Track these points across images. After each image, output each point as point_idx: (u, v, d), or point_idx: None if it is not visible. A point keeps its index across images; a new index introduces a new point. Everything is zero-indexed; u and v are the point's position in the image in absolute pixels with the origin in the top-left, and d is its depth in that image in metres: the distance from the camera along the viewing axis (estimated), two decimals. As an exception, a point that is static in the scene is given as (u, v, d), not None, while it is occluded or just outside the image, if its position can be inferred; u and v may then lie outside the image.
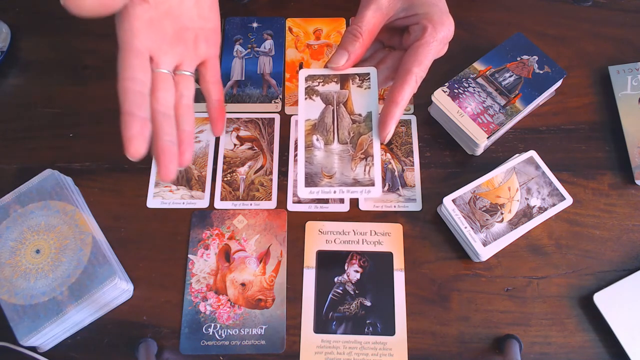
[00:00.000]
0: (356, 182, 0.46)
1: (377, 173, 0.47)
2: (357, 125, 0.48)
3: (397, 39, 0.49)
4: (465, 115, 0.57)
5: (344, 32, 0.48)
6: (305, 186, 0.46)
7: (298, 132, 0.50)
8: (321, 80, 0.49)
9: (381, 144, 0.50)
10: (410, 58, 0.46)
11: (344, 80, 0.49)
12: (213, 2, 0.49)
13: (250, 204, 0.59)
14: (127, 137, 0.40)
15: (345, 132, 0.48)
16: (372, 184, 0.46)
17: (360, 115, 0.48)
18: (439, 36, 0.45)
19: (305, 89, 0.49)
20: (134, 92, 0.42)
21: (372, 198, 0.48)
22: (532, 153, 0.56)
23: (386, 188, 0.59)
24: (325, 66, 0.48)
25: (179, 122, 0.45)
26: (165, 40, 0.45)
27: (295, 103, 0.64)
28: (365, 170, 0.47)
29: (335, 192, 0.46)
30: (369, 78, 0.48)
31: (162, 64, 0.45)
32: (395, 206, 0.58)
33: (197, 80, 0.49)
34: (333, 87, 0.49)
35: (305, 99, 0.49)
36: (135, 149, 0.40)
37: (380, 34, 0.48)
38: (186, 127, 0.46)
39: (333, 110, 0.48)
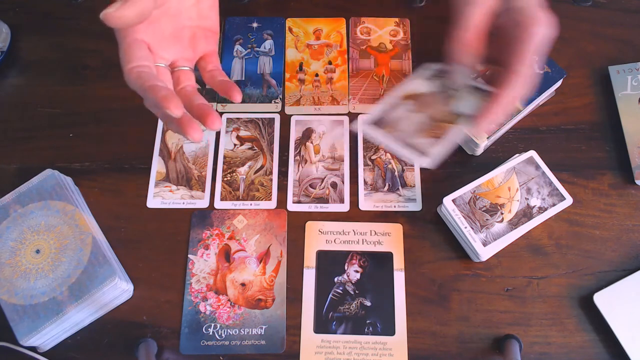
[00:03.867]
0: (413, 147, 0.48)
1: (439, 150, 0.47)
2: (449, 114, 0.49)
3: (499, 46, 0.47)
4: (465, 115, 0.57)
5: (453, 43, 0.47)
6: (372, 123, 0.49)
7: (398, 87, 0.51)
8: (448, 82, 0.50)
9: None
10: (513, 56, 0.45)
11: (469, 85, 0.50)
12: (213, 1, 0.49)
13: (250, 204, 0.59)
14: (161, 98, 0.38)
15: (437, 113, 0.49)
16: (427, 156, 0.47)
17: (459, 109, 0.49)
18: (540, 31, 0.44)
19: (430, 75, 0.51)
20: (149, 74, 0.41)
21: (421, 166, 0.50)
22: (532, 153, 0.56)
23: (386, 188, 0.59)
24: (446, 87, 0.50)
25: (191, 100, 0.44)
26: (163, 38, 0.45)
27: (295, 103, 0.64)
28: (429, 143, 0.48)
29: (393, 142, 0.48)
30: (485, 94, 0.49)
31: (159, 60, 0.45)
32: (395, 206, 0.58)
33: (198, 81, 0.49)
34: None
35: (427, 79, 0.51)
36: (175, 104, 0.38)
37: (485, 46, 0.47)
38: (200, 101, 0.44)
39: (444, 96, 0.50)
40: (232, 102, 0.63)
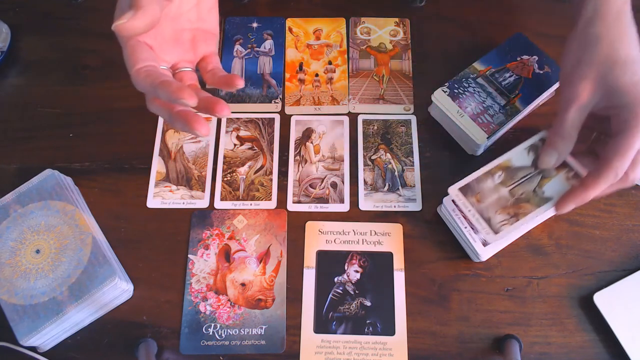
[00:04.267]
0: (489, 222, 0.50)
1: (509, 233, 0.50)
2: (534, 194, 0.51)
3: (607, 124, 0.49)
4: (465, 115, 0.57)
5: (549, 132, 0.51)
6: (460, 189, 0.52)
7: (499, 157, 0.53)
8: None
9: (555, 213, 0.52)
10: (611, 150, 0.46)
11: (563, 163, 0.51)
12: (213, 4, 0.49)
13: (250, 204, 0.59)
14: (174, 90, 0.38)
15: (521, 190, 0.51)
16: (496, 233, 0.50)
17: (543, 193, 0.51)
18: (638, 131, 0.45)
19: (531, 146, 0.53)
20: (157, 72, 0.41)
21: (485, 241, 0.52)
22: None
23: (386, 188, 0.59)
24: (536, 166, 0.52)
25: (197, 95, 0.42)
26: (164, 41, 0.45)
27: (295, 103, 0.64)
28: (502, 221, 0.50)
29: (469, 213, 0.51)
30: (576, 178, 0.51)
31: (161, 62, 0.45)
32: (395, 206, 0.58)
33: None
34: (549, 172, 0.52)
35: (526, 149, 0.53)
36: (189, 93, 0.38)
37: (589, 121, 0.49)
38: (205, 94, 0.43)
39: (532, 174, 0.52)
40: (232, 102, 0.63)
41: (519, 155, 0.53)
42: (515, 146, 0.60)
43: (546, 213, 0.51)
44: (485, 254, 0.53)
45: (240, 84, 0.45)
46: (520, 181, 0.52)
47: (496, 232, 0.50)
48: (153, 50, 0.44)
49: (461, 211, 0.52)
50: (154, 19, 0.40)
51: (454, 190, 0.52)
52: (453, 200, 0.52)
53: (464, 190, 0.52)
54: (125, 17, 0.39)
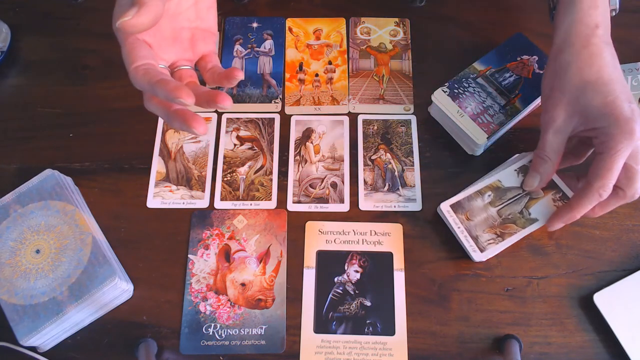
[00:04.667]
0: (476, 240, 0.53)
1: (495, 252, 0.52)
2: (520, 216, 0.53)
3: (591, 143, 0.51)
4: (465, 115, 0.57)
5: (533, 156, 0.53)
6: (450, 206, 0.54)
7: (482, 181, 0.55)
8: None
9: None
10: (592, 172, 0.48)
11: (551, 185, 0.54)
12: (212, 3, 0.49)
13: (250, 204, 0.59)
14: (172, 89, 0.38)
15: (509, 211, 0.53)
16: (482, 251, 0.52)
17: (530, 214, 0.53)
18: (619, 148, 0.46)
19: (521, 167, 0.55)
20: (155, 70, 0.41)
21: (472, 259, 0.54)
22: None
23: (386, 188, 0.59)
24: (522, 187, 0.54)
25: (196, 90, 0.43)
26: (163, 39, 0.45)
27: (295, 103, 0.64)
28: (488, 240, 0.53)
29: (458, 230, 0.53)
30: (563, 199, 0.53)
31: (160, 61, 0.45)
32: (395, 206, 0.58)
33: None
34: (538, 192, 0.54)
35: (516, 170, 0.55)
36: (187, 92, 0.38)
37: (570, 144, 0.52)
38: (205, 89, 0.43)
39: (520, 195, 0.54)
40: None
41: (508, 177, 0.55)
42: (514, 148, 0.60)
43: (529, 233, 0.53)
44: (480, 256, 0.53)
45: (240, 75, 0.45)
46: (508, 202, 0.54)
47: (482, 250, 0.52)
48: (152, 49, 0.44)
49: (451, 227, 0.54)
50: (157, 14, 0.40)
51: (445, 206, 0.54)
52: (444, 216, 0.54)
53: (455, 207, 0.54)
54: (129, 14, 0.39)
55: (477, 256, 0.52)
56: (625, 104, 0.46)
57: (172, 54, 0.46)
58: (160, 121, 0.63)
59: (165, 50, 0.46)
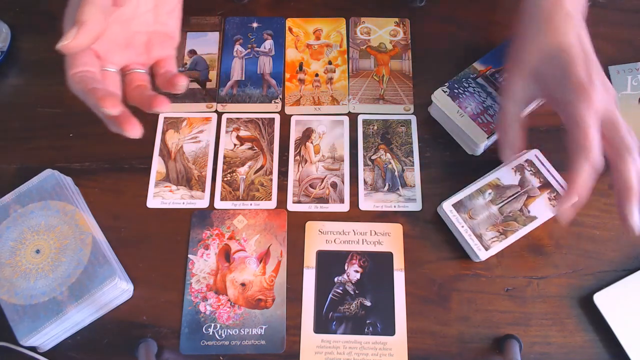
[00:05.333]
0: (480, 238, 0.53)
1: (496, 250, 0.53)
2: (520, 213, 0.54)
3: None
4: (465, 115, 0.57)
5: (496, 129, 0.55)
6: (453, 205, 0.54)
7: (482, 179, 0.56)
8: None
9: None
10: (571, 147, 0.46)
11: (546, 184, 0.55)
12: (174, 7, 0.49)
13: (250, 204, 0.59)
14: (98, 98, 0.40)
15: (509, 209, 0.54)
16: (487, 249, 0.52)
17: (529, 212, 0.54)
18: (581, 115, 0.45)
19: (518, 165, 0.56)
20: (90, 78, 0.42)
21: (475, 259, 0.54)
22: (535, 152, 0.56)
23: (386, 188, 0.59)
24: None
25: (143, 93, 0.44)
26: (114, 44, 0.45)
27: (295, 103, 0.64)
28: (492, 238, 0.53)
29: (462, 229, 0.53)
30: (557, 198, 0.54)
31: (109, 65, 0.45)
32: (395, 206, 0.58)
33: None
34: (534, 182, 0.55)
35: (514, 169, 0.55)
36: (111, 102, 0.40)
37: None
38: (149, 94, 0.44)
39: (519, 193, 0.54)
40: (232, 102, 0.63)
41: (506, 174, 0.55)
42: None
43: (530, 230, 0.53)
44: (485, 254, 0.53)
45: (182, 81, 0.45)
46: (508, 200, 0.54)
47: (487, 248, 0.52)
48: (99, 55, 0.44)
49: (455, 226, 0.54)
50: (97, 33, 0.41)
51: (448, 205, 0.54)
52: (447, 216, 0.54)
53: (457, 206, 0.54)
54: (68, 38, 0.40)
55: (483, 254, 0.52)
56: (582, 71, 0.46)
57: (124, 57, 0.46)
58: (160, 121, 0.63)
59: (115, 54, 0.45)
